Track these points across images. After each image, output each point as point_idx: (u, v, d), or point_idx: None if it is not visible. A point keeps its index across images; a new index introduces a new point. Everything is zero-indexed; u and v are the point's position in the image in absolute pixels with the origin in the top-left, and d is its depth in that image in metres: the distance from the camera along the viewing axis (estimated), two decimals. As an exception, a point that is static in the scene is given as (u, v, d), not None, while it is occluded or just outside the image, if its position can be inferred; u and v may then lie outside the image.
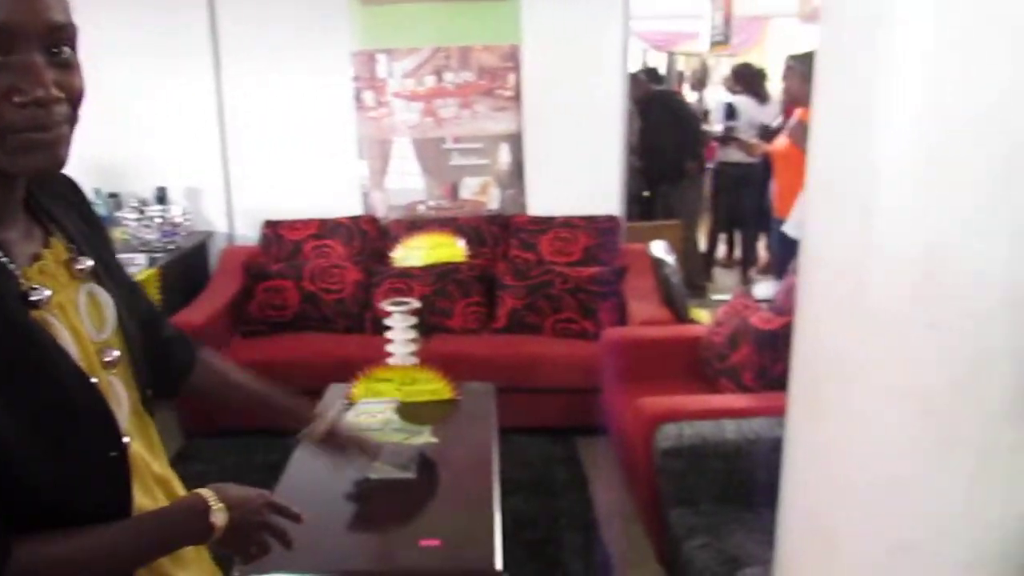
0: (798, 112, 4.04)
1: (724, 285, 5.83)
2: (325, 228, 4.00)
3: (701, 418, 2.29)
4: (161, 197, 4.07)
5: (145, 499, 0.93)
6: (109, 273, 0.96)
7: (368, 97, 4.08)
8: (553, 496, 3.04)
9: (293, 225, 4.03)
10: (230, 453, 3.30)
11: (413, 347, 2.72)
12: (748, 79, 5.99)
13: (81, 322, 0.88)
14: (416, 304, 2.75)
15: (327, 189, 4.15)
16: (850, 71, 0.98)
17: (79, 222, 0.96)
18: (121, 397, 0.91)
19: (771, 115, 5.91)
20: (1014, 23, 0.86)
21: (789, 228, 3.41)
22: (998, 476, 0.96)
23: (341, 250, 3.94)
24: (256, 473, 3.21)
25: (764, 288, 3.73)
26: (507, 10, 3.98)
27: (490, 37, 4.01)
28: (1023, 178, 0.89)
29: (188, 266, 3.96)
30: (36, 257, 0.86)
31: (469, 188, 4.17)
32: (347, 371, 2.65)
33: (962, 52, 0.89)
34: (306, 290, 3.70)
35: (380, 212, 4.17)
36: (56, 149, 0.78)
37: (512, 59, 4.02)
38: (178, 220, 3.93)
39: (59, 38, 0.76)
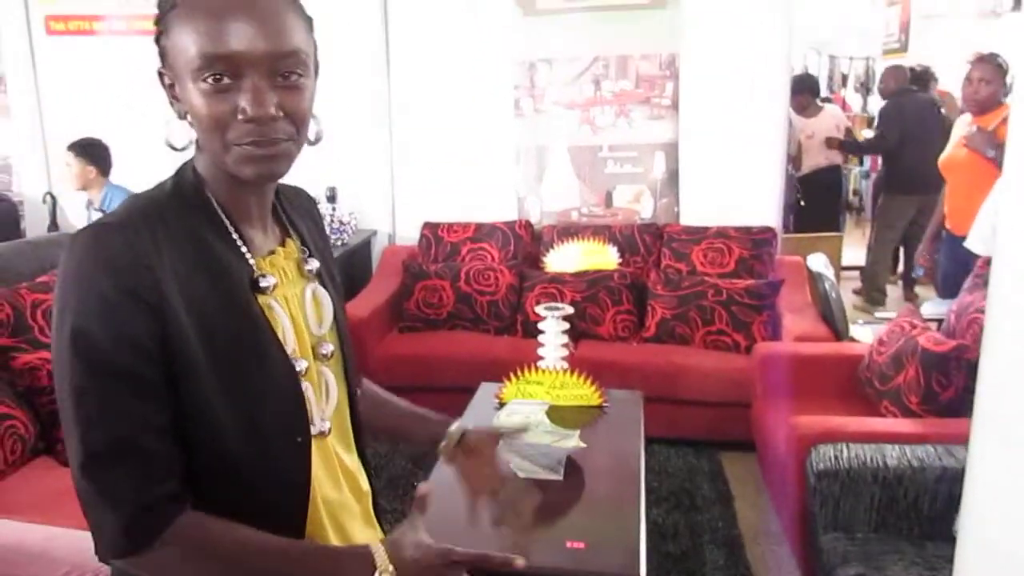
0: (964, 119, 3.78)
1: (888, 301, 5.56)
2: (481, 231, 4.14)
3: (860, 440, 2.20)
4: (331, 196, 4.34)
5: (332, 491, 1.01)
6: (331, 279, 1.08)
7: (527, 104, 4.18)
8: (696, 510, 3.01)
9: (451, 227, 4.19)
10: (382, 441, 3.46)
11: (564, 352, 2.77)
12: (913, 83, 5.65)
13: (303, 315, 1.00)
14: (569, 310, 2.81)
15: (484, 193, 4.29)
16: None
17: (314, 231, 1.10)
18: (332, 388, 1.01)
19: None
20: None
21: (973, 243, 3.18)
22: None
23: (496, 253, 4.06)
24: (402, 459, 3.37)
25: (932, 306, 3.51)
26: (667, 18, 3.97)
27: (649, 46, 4.01)
28: None
29: (353, 262, 4.21)
30: (271, 252, 0.99)
31: (623, 196, 4.18)
32: (497, 371, 2.73)
33: None
34: (461, 290, 3.84)
35: (534, 218, 4.26)
36: (273, 163, 0.88)
37: (670, 67, 4.01)
38: (346, 219, 4.18)
39: (286, 65, 0.86)
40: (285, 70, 0.86)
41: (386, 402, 1.28)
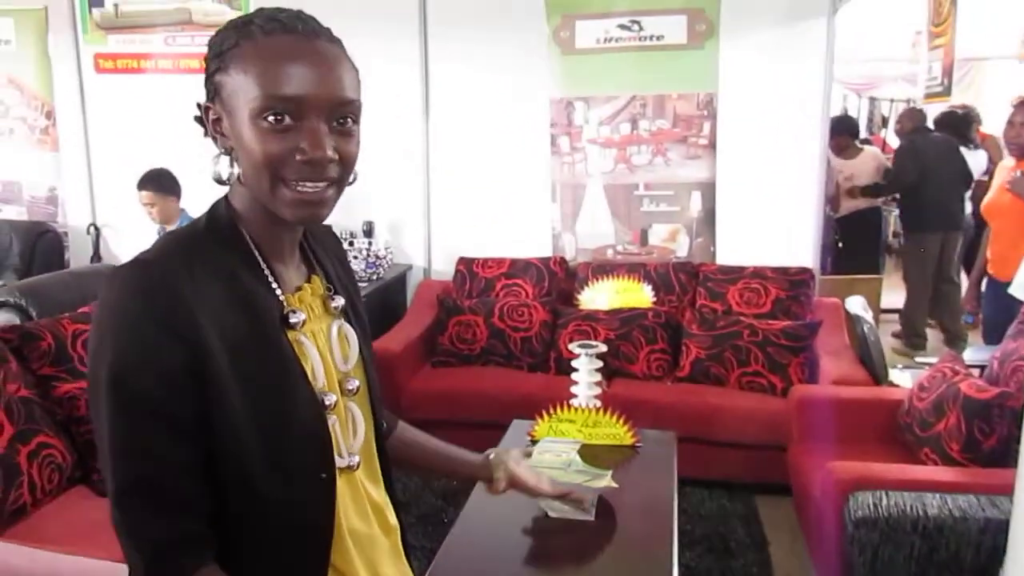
0: (1006, 163, 3.72)
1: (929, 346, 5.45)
2: (516, 267, 4.15)
3: (900, 488, 2.15)
4: (368, 231, 4.39)
5: (360, 523, 1.02)
6: (356, 315, 1.10)
7: (563, 143, 4.20)
8: (729, 554, 2.94)
9: (486, 263, 4.21)
10: (413, 476, 3.45)
11: (597, 390, 2.75)
12: (951, 127, 5.61)
13: (330, 350, 1.01)
14: (603, 348, 2.79)
15: (519, 230, 4.31)
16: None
17: (339, 269, 1.12)
18: (360, 423, 1.02)
19: (981, 163, 5.55)
20: None
21: (1017, 290, 3.13)
22: None
23: (530, 289, 4.06)
24: (432, 496, 3.35)
25: (974, 353, 3.43)
26: (705, 58, 3.99)
27: (686, 85, 4.03)
28: None
29: (388, 296, 4.24)
30: (298, 288, 1.01)
31: (658, 235, 4.18)
32: (529, 408, 2.71)
33: None
34: (495, 326, 3.84)
35: (569, 254, 4.27)
36: (319, 207, 0.91)
37: (708, 107, 4.01)
38: (382, 253, 4.23)
39: (343, 112, 0.90)
40: (341, 116, 0.90)
41: (422, 441, 1.32)
